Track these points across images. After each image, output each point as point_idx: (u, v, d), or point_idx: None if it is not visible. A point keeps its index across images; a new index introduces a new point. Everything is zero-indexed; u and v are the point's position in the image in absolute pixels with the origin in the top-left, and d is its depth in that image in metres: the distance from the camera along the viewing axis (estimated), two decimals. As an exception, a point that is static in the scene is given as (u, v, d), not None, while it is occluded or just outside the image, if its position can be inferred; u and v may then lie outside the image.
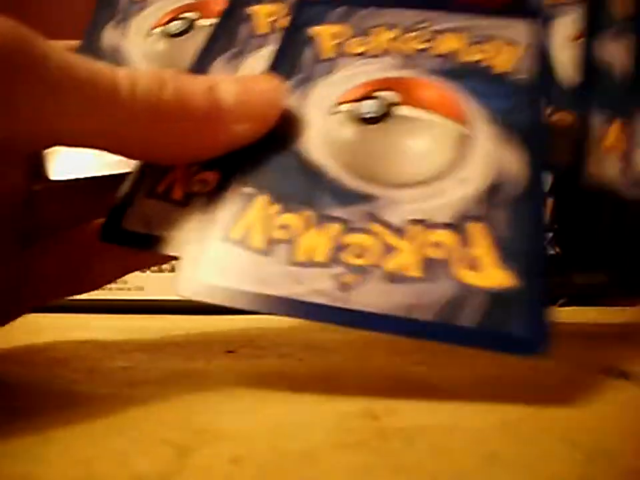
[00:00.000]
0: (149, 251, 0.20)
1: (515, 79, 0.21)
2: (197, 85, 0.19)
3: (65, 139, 0.18)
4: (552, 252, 0.42)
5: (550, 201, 0.43)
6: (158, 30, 0.27)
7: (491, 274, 0.17)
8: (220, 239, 0.19)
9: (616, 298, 0.39)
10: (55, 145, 0.19)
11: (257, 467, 0.13)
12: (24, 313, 0.23)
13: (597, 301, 0.39)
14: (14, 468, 0.13)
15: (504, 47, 0.22)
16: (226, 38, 0.24)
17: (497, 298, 0.17)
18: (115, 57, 0.26)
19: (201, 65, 0.23)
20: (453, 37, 0.22)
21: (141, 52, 0.26)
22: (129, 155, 0.20)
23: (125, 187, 0.21)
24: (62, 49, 0.17)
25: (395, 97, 0.21)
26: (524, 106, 0.21)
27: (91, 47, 0.26)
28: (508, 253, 0.17)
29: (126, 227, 0.20)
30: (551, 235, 0.42)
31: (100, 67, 0.18)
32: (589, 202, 0.43)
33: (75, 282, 0.23)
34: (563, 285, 0.41)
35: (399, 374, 0.21)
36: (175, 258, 0.19)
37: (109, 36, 0.27)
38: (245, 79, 0.21)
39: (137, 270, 0.24)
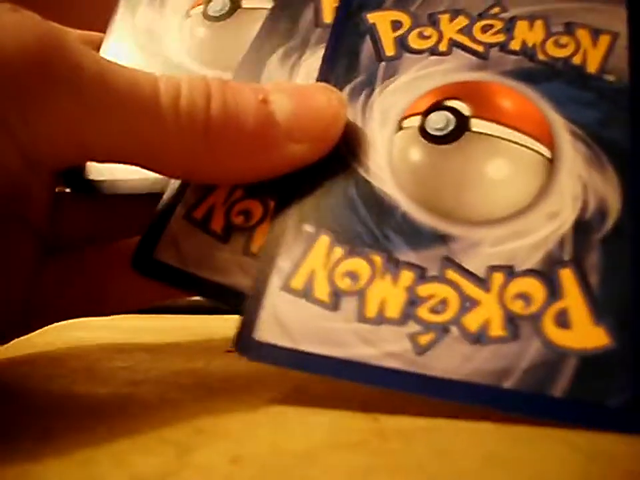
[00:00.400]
0: (187, 290, 0.18)
1: (606, 80, 0.18)
2: (247, 96, 0.17)
3: (98, 156, 0.17)
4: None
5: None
6: (197, 10, 0.23)
7: (583, 332, 0.15)
8: (280, 288, 0.17)
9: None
10: (87, 161, 0.17)
11: (257, 466, 0.13)
12: (42, 327, 0.22)
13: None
14: (14, 467, 0.13)
15: (591, 39, 0.19)
16: (285, 25, 0.21)
17: (589, 362, 0.15)
18: (149, 42, 0.23)
19: (252, 62, 0.20)
20: (530, 27, 0.19)
21: (178, 38, 0.23)
22: (169, 174, 0.18)
23: (161, 205, 0.19)
24: (98, 55, 0.16)
25: (467, 108, 0.18)
26: (619, 117, 0.18)
27: (124, 28, 0.24)
28: (601, 305, 0.15)
29: (159, 257, 0.18)
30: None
31: (139, 76, 0.16)
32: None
33: (97, 303, 0.22)
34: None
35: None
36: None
37: (144, 14, 0.24)
38: (301, 90, 0.18)
39: (170, 298, 0.23)
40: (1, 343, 0.21)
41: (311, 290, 0.16)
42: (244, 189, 0.18)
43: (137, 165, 0.17)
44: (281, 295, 0.16)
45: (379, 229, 0.17)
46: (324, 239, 0.17)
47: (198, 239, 0.18)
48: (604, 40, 0.19)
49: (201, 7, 0.23)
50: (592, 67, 0.19)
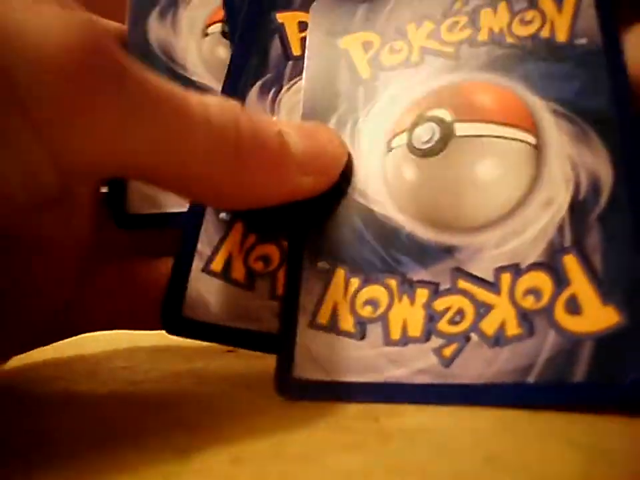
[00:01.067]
0: (223, 343, 0.19)
1: (578, 45, 0.18)
2: (268, 125, 0.18)
3: (132, 169, 0.16)
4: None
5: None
6: (215, 29, 0.23)
7: (593, 315, 0.15)
8: (308, 326, 0.18)
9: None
10: (120, 175, 0.17)
11: (257, 467, 0.13)
12: (78, 334, 0.22)
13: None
14: (15, 468, 0.13)
15: (556, 6, 0.19)
16: (255, 61, 0.21)
17: (604, 343, 0.15)
18: (168, 57, 0.23)
19: (232, 95, 0.21)
20: (494, 12, 0.19)
21: (199, 57, 0.23)
22: (188, 192, 0.18)
23: (176, 261, 0.20)
24: (137, 62, 0.15)
25: (448, 113, 0.19)
26: (598, 82, 0.17)
27: (137, 40, 0.23)
28: (607, 284, 0.16)
29: (188, 314, 0.19)
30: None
31: (174, 88, 0.16)
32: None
33: (137, 317, 0.22)
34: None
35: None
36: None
37: (156, 28, 0.24)
38: (307, 128, 0.19)
39: None
40: (38, 346, 0.22)
41: (336, 323, 0.18)
42: (256, 234, 0.19)
43: (167, 183, 0.17)
44: (310, 332, 0.18)
45: (388, 253, 0.18)
46: (340, 272, 0.18)
47: (223, 290, 0.19)
48: (568, 3, 0.19)
49: (219, 26, 0.24)
50: (561, 36, 0.18)
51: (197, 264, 0.20)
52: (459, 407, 0.16)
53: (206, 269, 0.19)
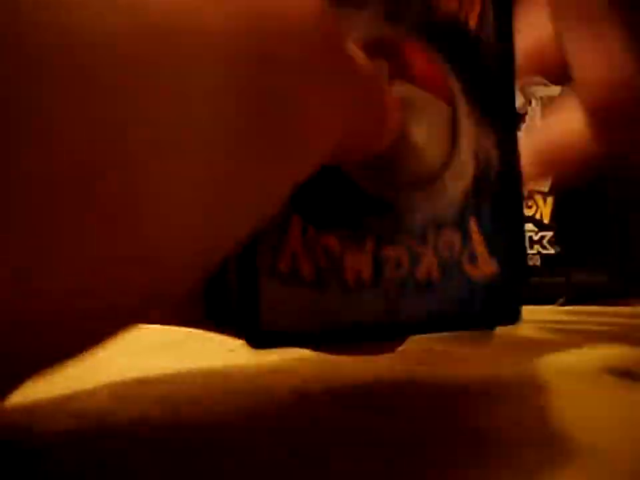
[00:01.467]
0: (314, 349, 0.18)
1: (483, 40, 0.21)
2: None
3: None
4: (552, 251, 0.44)
5: (550, 200, 0.44)
6: None
7: (483, 265, 0.21)
8: (267, 275, 0.17)
9: (616, 298, 0.42)
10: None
11: (259, 465, 0.14)
12: None
13: (596, 300, 0.41)
14: (14, 468, 0.13)
15: None
16: None
17: (488, 286, 0.21)
18: None
19: None
20: None
21: None
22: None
23: (239, 269, 0.17)
24: None
25: (386, 67, 0.19)
26: (489, 79, 0.21)
27: None
28: (492, 245, 0.21)
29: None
30: (551, 233, 0.44)
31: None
32: (590, 201, 0.44)
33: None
34: (562, 284, 0.44)
35: (400, 373, 0.23)
36: None
37: None
38: None
39: None
40: None
41: (297, 272, 0.18)
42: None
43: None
44: (271, 281, 0.17)
45: (338, 203, 0.18)
46: (295, 220, 0.18)
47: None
48: (476, 2, 0.21)
49: None
50: (472, 24, 0.21)
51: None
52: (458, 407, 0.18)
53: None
